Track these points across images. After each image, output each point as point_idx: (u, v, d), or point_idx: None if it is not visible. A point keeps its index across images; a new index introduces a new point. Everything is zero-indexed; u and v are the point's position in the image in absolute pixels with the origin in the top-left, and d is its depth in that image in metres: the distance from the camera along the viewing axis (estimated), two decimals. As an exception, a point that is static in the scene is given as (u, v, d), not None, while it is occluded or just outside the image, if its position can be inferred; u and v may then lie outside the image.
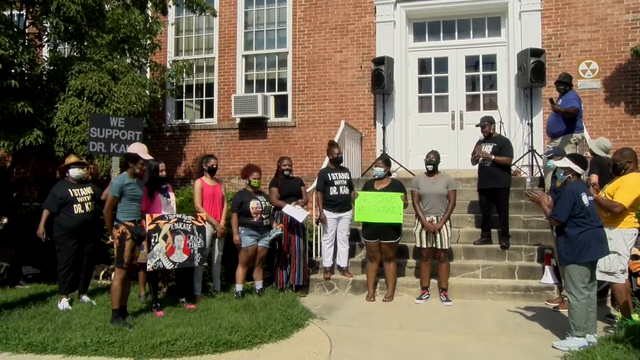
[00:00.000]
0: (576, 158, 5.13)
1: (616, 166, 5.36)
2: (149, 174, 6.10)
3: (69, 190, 6.39)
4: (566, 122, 7.30)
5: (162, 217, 5.90)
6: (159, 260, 5.76)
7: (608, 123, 9.04)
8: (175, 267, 5.95)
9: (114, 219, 5.47)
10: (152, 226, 5.75)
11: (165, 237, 5.82)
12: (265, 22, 10.83)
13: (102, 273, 7.77)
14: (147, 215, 5.80)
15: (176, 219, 5.98)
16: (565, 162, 5.01)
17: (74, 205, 6.34)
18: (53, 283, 7.39)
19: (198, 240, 6.10)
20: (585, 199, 4.79)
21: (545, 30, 9.33)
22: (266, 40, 10.83)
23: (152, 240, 5.72)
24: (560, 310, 5.95)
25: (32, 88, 8.49)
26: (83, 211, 6.33)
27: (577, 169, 4.96)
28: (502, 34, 9.74)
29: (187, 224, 6.04)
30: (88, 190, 6.46)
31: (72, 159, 6.71)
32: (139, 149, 5.71)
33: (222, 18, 10.81)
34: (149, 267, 5.74)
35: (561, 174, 5.04)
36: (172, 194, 6.46)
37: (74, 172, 6.50)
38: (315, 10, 10.38)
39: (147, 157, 5.65)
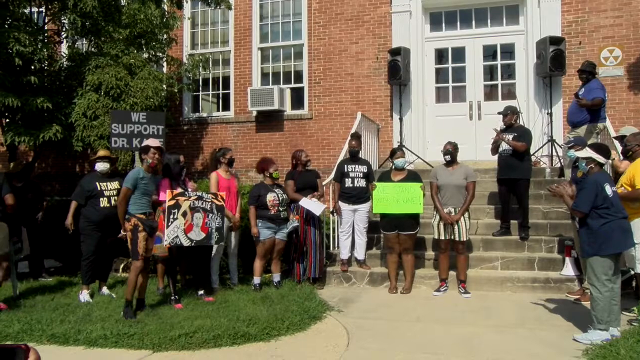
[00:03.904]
0: (598, 147, 5.02)
1: (625, 146, 5.27)
2: (171, 167, 6.18)
3: (97, 183, 6.49)
4: (589, 111, 7.16)
5: (182, 194, 5.90)
6: (177, 236, 5.76)
7: (632, 111, 8.83)
8: (193, 244, 5.91)
9: (125, 211, 5.53)
10: (172, 202, 5.75)
11: (184, 214, 5.81)
12: (280, 14, 10.79)
13: (121, 266, 7.86)
14: (168, 191, 5.82)
15: (196, 197, 5.96)
16: (587, 152, 4.91)
17: (101, 199, 6.44)
18: (74, 276, 7.52)
19: (216, 219, 6.07)
20: (608, 189, 4.69)
21: (565, 17, 9.14)
22: (281, 32, 10.80)
23: (171, 217, 5.72)
24: (582, 302, 5.86)
25: (50, 84, 8.62)
26: (109, 205, 6.39)
27: (600, 158, 4.86)
28: (521, 22, 9.57)
29: (207, 202, 6.01)
30: (115, 184, 6.52)
31: (100, 152, 6.81)
32: (152, 142, 5.79)
33: (237, 11, 10.80)
34: (165, 243, 5.77)
35: (583, 164, 4.94)
36: (190, 190, 6.47)
37: (99, 166, 6.60)
38: (330, 2, 10.30)
39: (155, 144, 5.72)
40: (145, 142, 5.77)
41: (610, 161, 5.79)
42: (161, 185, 6.15)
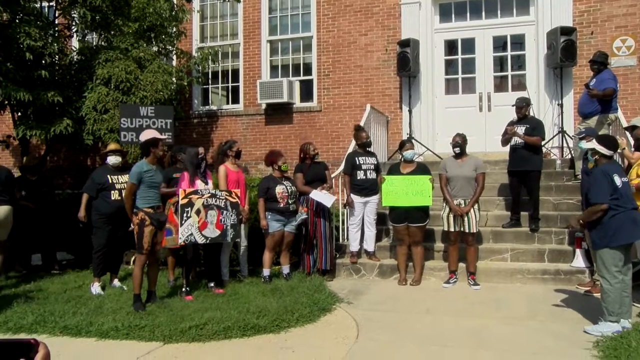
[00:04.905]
0: (603, 139, 4.97)
1: (638, 139, 5.24)
2: (189, 160, 6.21)
3: (108, 176, 6.56)
4: (600, 102, 7.10)
5: (195, 192, 5.93)
6: (191, 234, 5.81)
7: (644, 102, 8.74)
8: (207, 241, 5.98)
9: (133, 205, 5.57)
10: (185, 201, 5.79)
11: (198, 212, 5.85)
12: (289, 6, 10.76)
13: (132, 258, 7.91)
14: (180, 190, 5.86)
15: (209, 194, 6.00)
16: (592, 144, 4.89)
17: (112, 192, 6.51)
18: (86, 269, 7.59)
19: (231, 216, 6.11)
20: (617, 180, 4.64)
21: (577, 7, 9.02)
22: (290, 24, 10.77)
23: (185, 215, 5.76)
24: (593, 294, 5.82)
25: (61, 78, 8.67)
26: (120, 198, 6.42)
27: (603, 150, 4.81)
28: (531, 12, 9.47)
29: (221, 200, 6.06)
30: (126, 177, 6.51)
31: (111, 146, 6.86)
32: (154, 132, 5.77)
33: (246, 3, 10.77)
34: (180, 242, 5.80)
35: (590, 155, 4.92)
36: (210, 181, 6.50)
37: (111, 160, 6.66)
38: (339, -7, 10.26)
39: (157, 135, 5.73)
40: (148, 135, 5.67)
41: (619, 152, 5.76)
42: (180, 179, 6.20)
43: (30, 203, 7.35)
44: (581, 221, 4.90)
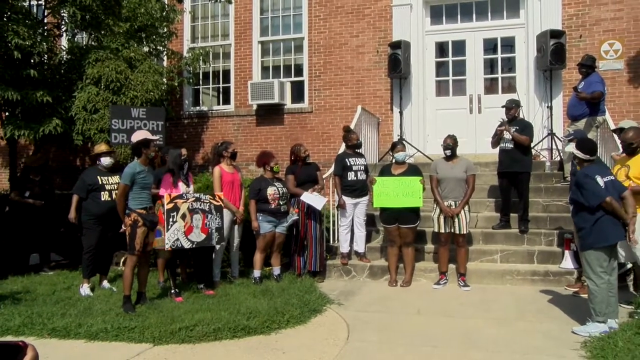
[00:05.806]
0: (580, 143, 5.01)
1: (631, 145, 5.29)
2: (172, 161, 6.19)
3: (98, 177, 6.52)
4: (588, 105, 7.17)
5: (180, 197, 5.91)
6: (177, 239, 5.78)
7: (631, 105, 8.81)
8: (194, 246, 5.95)
9: (125, 206, 5.53)
10: (171, 205, 5.76)
11: (183, 217, 5.82)
12: (280, 7, 10.77)
13: (122, 260, 7.86)
14: (166, 195, 5.83)
15: (194, 198, 5.97)
16: (571, 147, 4.97)
17: (102, 193, 6.47)
18: (75, 270, 7.53)
19: (216, 219, 6.10)
20: (600, 181, 4.68)
21: (566, 11, 9.11)
22: (282, 25, 10.77)
23: (171, 220, 5.73)
24: (581, 295, 5.87)
25: (50, 77, 8.59)
26: (110, 199, 6.41)
27: (579, 154, 4.87)
28: (521, 15, 9.54)
29: (205, 204, 6.04)
30: (116, 178, 6.50)
31: (103, 147, 6.81)
32: (145, 133, 5.73)
33: (238, 4, 10.76)
34: (167, 247, 5.77)
35: None
36: (192, 185, 6.49)
37: (105, 161, 6.62)
38: (331, -5, 10.28)
39: (148, 136, 5.69)
40: (140, 136, 5.62)
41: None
42: (163, 180, 6.17)
43: (36, 201, 7.41)
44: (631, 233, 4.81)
